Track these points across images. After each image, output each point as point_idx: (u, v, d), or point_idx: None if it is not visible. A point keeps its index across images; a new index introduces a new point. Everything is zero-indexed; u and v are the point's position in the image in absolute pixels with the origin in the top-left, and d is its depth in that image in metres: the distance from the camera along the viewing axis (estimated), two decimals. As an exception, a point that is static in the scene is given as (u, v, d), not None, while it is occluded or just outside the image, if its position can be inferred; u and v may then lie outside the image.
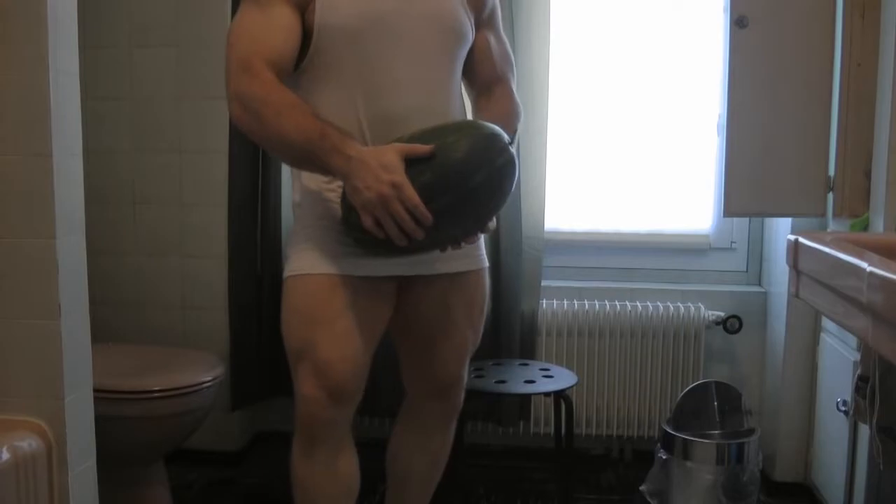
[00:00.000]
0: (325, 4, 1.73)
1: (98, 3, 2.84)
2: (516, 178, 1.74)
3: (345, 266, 1.77)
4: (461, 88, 1.93)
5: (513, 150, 1.69)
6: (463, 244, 1.74)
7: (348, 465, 1.89)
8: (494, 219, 1.76)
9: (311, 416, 1.81)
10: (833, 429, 2.49)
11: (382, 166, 1.58)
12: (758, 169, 2.50)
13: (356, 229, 1.68)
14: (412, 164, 1.61)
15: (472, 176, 1.62)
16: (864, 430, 2.18)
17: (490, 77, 1.94)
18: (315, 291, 1.78)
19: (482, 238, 1.95)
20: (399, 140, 1.66)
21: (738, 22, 2.45)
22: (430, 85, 1.81)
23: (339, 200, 1.73)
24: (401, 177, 1.58)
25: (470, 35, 1.88)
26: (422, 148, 1.62)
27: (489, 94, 1.94)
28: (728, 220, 2.99)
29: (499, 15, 1.98)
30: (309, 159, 1.67)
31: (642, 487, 2.60)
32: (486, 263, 1.99)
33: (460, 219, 1.67)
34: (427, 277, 1.87)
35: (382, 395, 2.63)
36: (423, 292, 1.90)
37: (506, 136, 1.69)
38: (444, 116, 1.79)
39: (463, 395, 2.05)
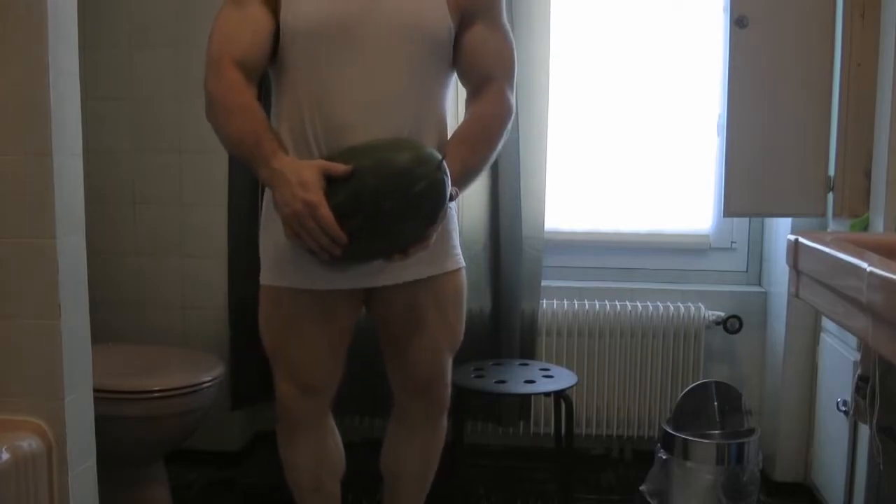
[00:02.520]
0: (289, 5, 1.73)
1: (98, 3, 2.84)
2: (446, 200, 1.68)
3: (311, 278, 1.81)
4: (440, 94, 1.86)
5: (440, 173, 1.64)
6: (410, 253, 1.70)
7: (327, 447, 2.03)
8: (432, 235, 1.72)
9: (288, 409, 1.94)
10: (833, 429, 2.49)
11: (300, 183, 1.59)
12: (758, 169, 2.50)
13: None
14: (331, 182, 1.62)
15: (383, 202, 1.62)
16: (865, 430, 2.18)
17: (479, 76, 1.86)
18: (281, 302, 1.87)
19: (455, 238, 1.94)
20: (330, 155, 1.69)
21: (738, 22, 2.45)
22: (386, 96, 1.76)
23: None
24: (316, 196, 1.58)
25: (449, 38, 1.80)
26: (339, 168, 1.62)
27: (478, 94, 1.87)
28: (728, 220, 2.99)
29: (499, 9, 1.88)
30: (248, 165, 1.72)
31: (642, 487, 2.60)
32: (461, 264, 1.97)
33: (373, 240, 1.67)
34: (392, 286, 1.87)
35: (381, 396, 2.62)
36: (391, 297, 1.90)
37: (433, 159, 1.64)
38: (398, 129, 1.74)
39: (447, 393, 2.05)
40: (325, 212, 1.58)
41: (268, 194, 1.83)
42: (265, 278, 1.87)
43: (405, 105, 1.78)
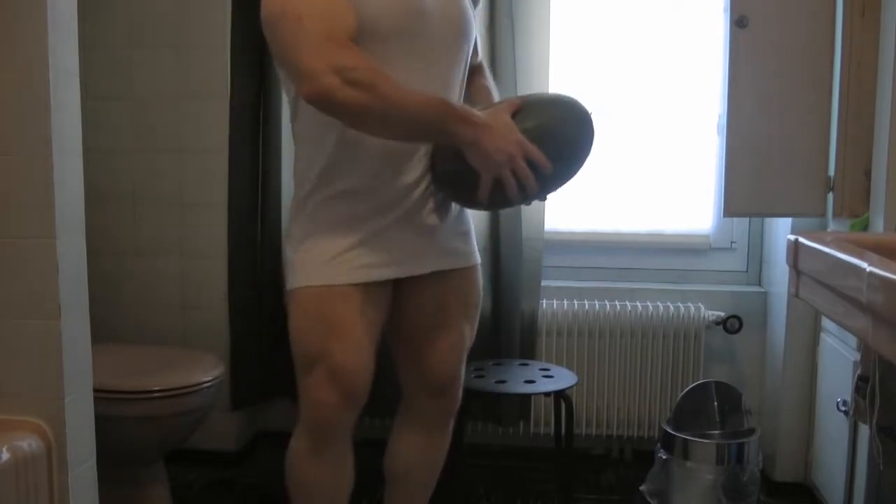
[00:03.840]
0: None
1: (98, 2, 2.84)
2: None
3: (351, 274, 1.79)
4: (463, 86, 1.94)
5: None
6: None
7: (350, 462, 1.95)
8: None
9: (325, 419, 1.85)
10: (833, 429, 2.49)
11: (507, 126, 1.67)
12: (758, 169, 2.50)
13: (467, 200, 1.82)
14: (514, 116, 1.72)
15: (566, 127, 1.77)
16: (864, 430, 2.18)
17: (475, 63, 2.01)
18: (329, 302, 1.80)
19: (472, 234, 1.99)
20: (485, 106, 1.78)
21: (739, 22, 2.45)
22: (441, 90, 1.79)
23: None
24: (521, 135, 1.67)
25: (475, 34, 1.92)
26: (518, 102, 1.75)
27: (473, 79, 1.99)
28: (728, 220, 2.99)
29: None
30: (433, 130, 1.69)
31: (642, 487, 2.60)
32: (479, 260, 2.00)
33: (557, 172, 1.76)
34: (419, 277, 1.88)
35: (382, 395, 2.62)
36: (417, 291, 1.91)
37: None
38: None
39: (461, 392, 2.06)
40: (533, 147, 1.66)
41: (296, 201, 1.83)
42: (309, 279, 1.79)
43: (454, 96, 1.85)
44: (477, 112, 1.70)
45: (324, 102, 1.61)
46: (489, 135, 1.65)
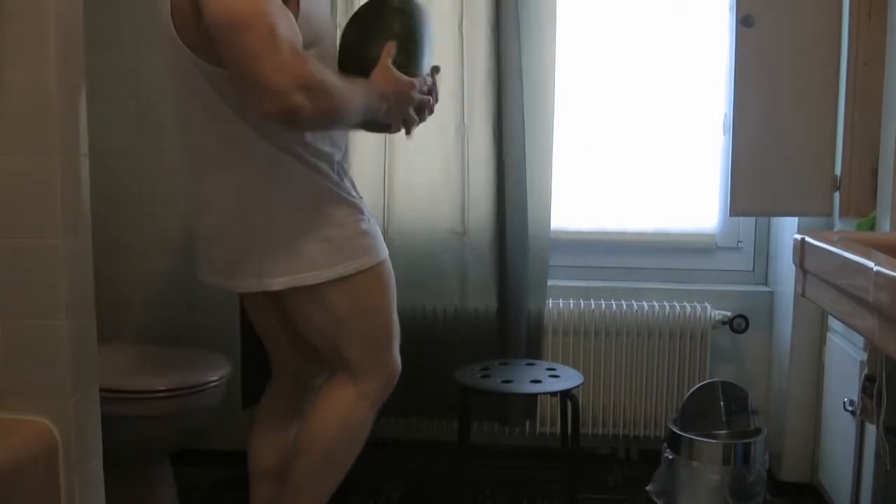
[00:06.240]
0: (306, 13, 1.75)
1: (104, 2, 2.84)
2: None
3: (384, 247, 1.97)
4: None
5: None
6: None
7: None
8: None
9: (395, 378, 2.00)
10: (840, 428, 2.49)
11: (397, 81, 1.80)
12: (764, 168, 2.50)
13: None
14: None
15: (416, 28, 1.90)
16: (871, 430, 2.17)
17: None
18: (390, 271, 1.97)
19: None
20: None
21: (744, 21, 2.45)
22: None
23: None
24: (404, 76, 1.82)
25: None
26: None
27: None
28: (734, 219, 2.99)
29: None
30: (361, 114, 1.78)
31: (648, 487, 2.60)
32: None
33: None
34: None
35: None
36: None
37: None
38: None
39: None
40: (411, 80, 1.83)
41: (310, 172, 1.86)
42: (376, 256, 1.91)
43: None
44: (373, 81, 1.79)
45: (290, 120, 1.64)
46: (393, 96, 1.80)
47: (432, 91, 1.94)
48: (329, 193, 1.84)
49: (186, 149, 1.90)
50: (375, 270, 1.90)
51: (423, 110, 1.92)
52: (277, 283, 1.83)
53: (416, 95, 1.85)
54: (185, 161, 1.92)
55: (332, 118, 1.73)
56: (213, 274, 1.92)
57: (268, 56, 1.56)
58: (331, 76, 1.68)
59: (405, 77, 1.82)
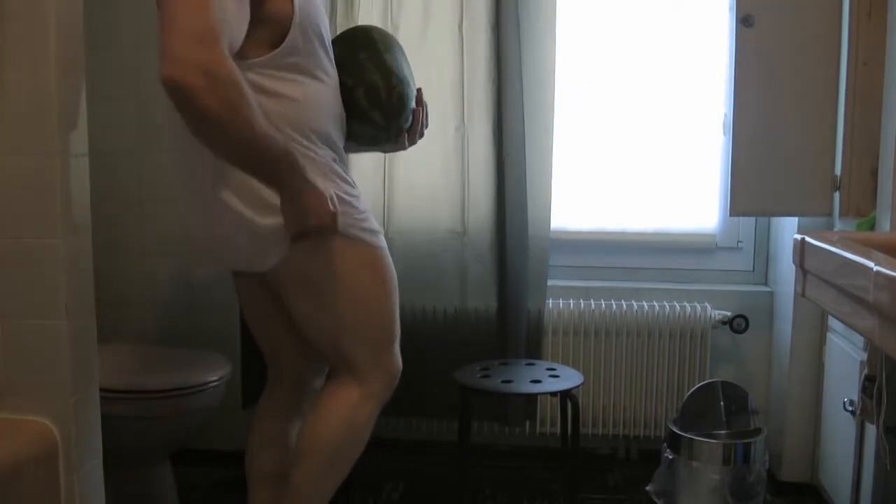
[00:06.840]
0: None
1: (104, 3, 2.84)
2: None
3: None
4: None
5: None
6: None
7: None
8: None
9: (397, 377, 2.00)
10: (840, 429, 2.49)
11: (322, 199, 1.73)
12: (764, 168, 2.50)
13: None
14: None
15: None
16: (871, 430, 2.17)
17: None
18: (392, 270, 1.96)
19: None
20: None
21: (744, 21, 2.45)
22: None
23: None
24: (330, 206, 1.75)
25: None
26: None
27: None
28: (734, 219, 2.99)
29: None
30: (264, 165, 1.66)
31: (648, 487, 2.60)
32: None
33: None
34: None
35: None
36: None
37: None
38: None
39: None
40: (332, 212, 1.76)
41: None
42: (378, 241, 1.92)
43: None
44: (309, 176, 1.72)
45: (180, 97, 1.52)
46: (309, 198, 1.72)
47: (423, 114, 2.04)
48: (335, 174, 1.86)
49: (175, 139, 1.91)
50: (377, 253, 1.92)
51: (415, 134, 2.05)
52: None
53: (323, 218, 1.74)
54: (174, 154, 1.95)
55: (222, 122, 1.54)
56: (221, 263, 1.95)
57: (187, 22, 1.48)
58: (247, 88, 1.56)
59: (327, 206, 1.74)
